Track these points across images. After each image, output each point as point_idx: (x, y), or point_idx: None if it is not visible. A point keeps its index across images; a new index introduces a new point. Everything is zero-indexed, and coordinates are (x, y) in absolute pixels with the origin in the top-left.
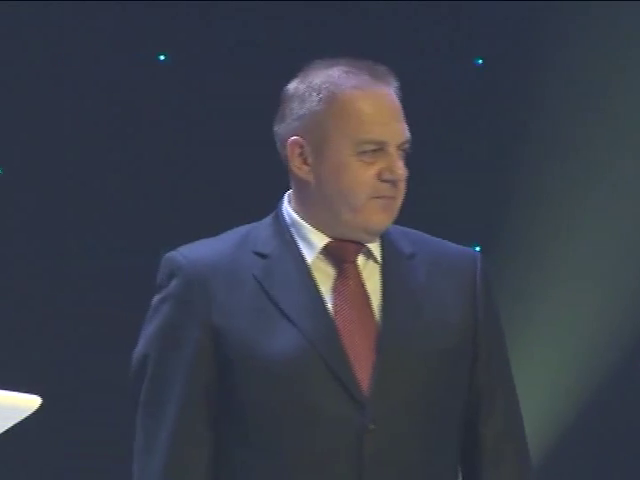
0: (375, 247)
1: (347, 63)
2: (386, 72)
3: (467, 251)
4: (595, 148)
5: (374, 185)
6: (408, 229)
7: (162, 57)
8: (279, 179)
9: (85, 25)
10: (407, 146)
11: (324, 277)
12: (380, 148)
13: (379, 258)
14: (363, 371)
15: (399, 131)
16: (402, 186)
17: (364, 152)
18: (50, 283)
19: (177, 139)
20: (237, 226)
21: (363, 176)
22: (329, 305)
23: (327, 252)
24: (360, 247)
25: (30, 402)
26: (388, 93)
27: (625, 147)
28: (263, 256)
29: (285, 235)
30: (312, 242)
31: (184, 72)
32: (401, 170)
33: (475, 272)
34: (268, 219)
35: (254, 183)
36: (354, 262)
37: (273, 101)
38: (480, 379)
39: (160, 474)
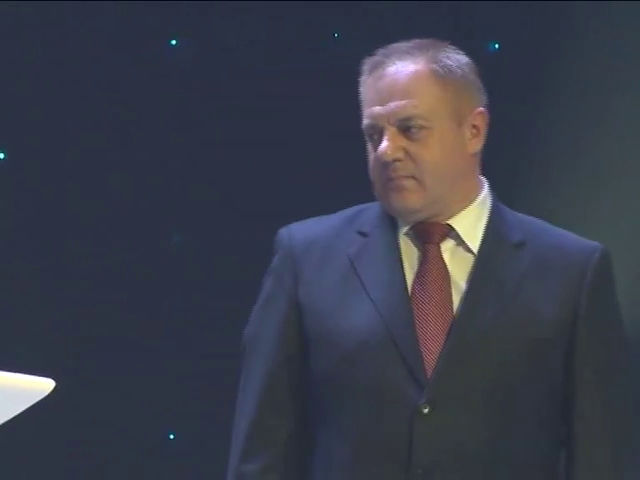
0: (473, 233)
1: (386, 47)
2: (408, 48)
3: (586, 245)
4: (609, 142)
5: (380, 169)
6: (530, 217)
7: (173, 42)
8: (280, 179)
9: (85, 24)
10: (414, 122)
11: (409, 257)
12: (378, 132)
13: (476, 244)
14: (430, 354)
15: (390, 110)
16: (400, 165)
17: (370, 137)
18: (54, 276)
19: (178, 138)
20: (241, 224)
21: (371, 162)
22: (408, 285)
23: (413, 233)
24: (445, 229)
25: (44, 385)
26: (391, 72)
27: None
28: (364, 235)
29: (388, 215)
30: (400, 223)
31: (186, 68)
32: (387, 150)
33: (587, 266)
34: None
35: (256, 182)
36: (437, 244)
37: (273, 101)
38: (575, 376)
39: (243, 438)
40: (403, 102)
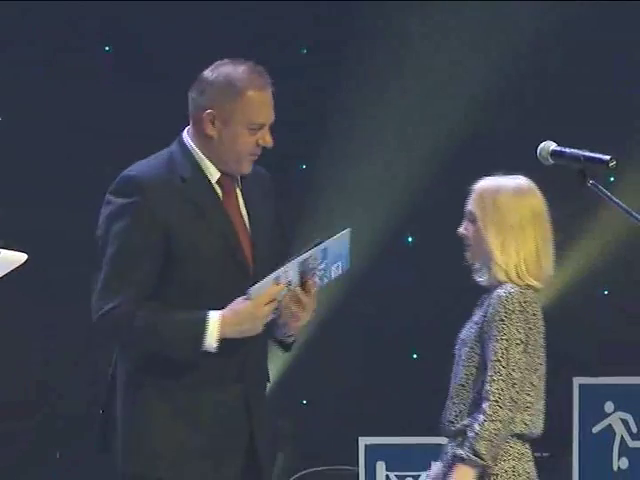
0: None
1: (255, 67)
2: (264, 73)
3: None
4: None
5: (253, 148)
6: None
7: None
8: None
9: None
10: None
11: (219, 193)
12: (261, 127)
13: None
14: (248, 252)
15: (270, 118)
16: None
17: (252, 128)
18: None
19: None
20: None
21: (247, 142)
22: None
23: (221, 179)
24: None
25: (18, 257)
26: (267, 93)
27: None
28: (184, 180)
29: (199, 166)
30: (212, 173)
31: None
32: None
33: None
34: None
35: None
36: (234, 185)
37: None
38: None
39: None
40: (272, 113)
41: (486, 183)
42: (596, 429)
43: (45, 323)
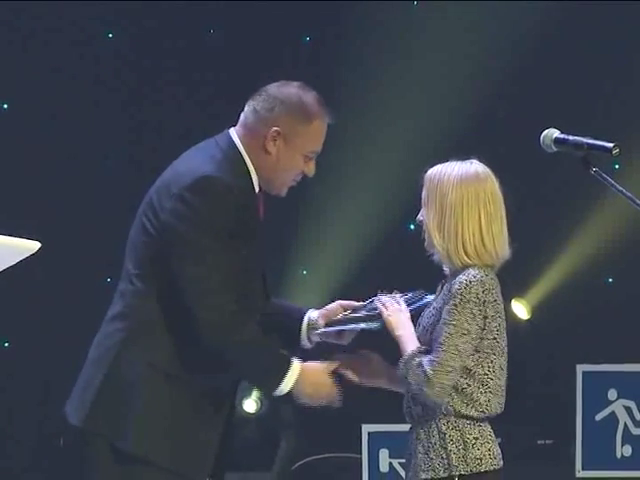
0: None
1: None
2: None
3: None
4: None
5: (296, 174)
6: None
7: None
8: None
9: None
10: None
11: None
12: (314, 156)
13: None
14: None
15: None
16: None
17: (308, 156)
18: None
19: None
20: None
21: (298, 166)
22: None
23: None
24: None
25: (30, 245)
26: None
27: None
28: (253, 189)
29: (250, 180)
30: (255, 186)
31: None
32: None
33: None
34: None
35: None
36: (262, 196)
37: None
38: None
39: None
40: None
41: (436, 168)
42: (599, 416)
43: (45, 323)
